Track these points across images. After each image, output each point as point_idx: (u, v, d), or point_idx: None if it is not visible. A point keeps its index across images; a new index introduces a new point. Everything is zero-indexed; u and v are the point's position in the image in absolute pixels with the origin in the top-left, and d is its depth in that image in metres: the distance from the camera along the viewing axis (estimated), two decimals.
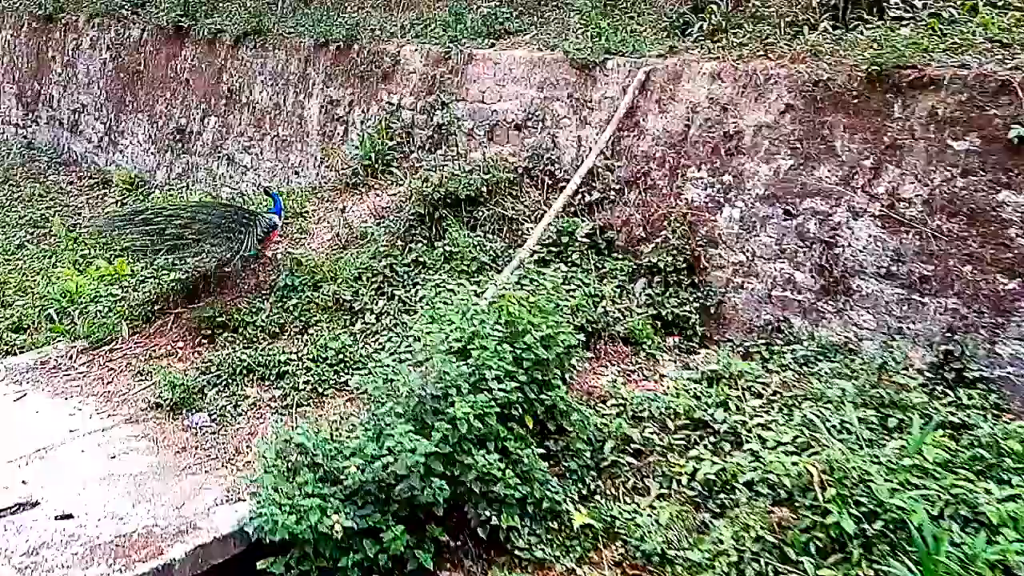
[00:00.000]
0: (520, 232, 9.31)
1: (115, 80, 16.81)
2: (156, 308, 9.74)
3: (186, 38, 15.07)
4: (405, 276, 8.91)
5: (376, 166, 10.81)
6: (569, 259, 8.82)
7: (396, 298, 8.73)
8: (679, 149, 8.65)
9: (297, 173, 12.70)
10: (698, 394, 6.98)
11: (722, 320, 8.32)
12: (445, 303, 7.48)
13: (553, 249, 8.90)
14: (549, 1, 11.47)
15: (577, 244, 8.89)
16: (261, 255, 9.66)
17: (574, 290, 8.31)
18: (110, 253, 12.04)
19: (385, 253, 9.09)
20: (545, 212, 9.34)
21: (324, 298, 8.77)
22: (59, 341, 9.95)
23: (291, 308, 8.83)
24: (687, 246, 8.41)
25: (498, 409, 6.29)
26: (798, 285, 7.81)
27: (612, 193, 9.10)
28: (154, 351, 9.06)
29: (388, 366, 6.66)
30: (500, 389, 6.27)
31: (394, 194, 10.30)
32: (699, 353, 8.25)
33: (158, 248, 9.26)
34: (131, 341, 9.40)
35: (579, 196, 9.23)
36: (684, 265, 8.41)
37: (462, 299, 7.09)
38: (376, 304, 8.68)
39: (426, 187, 9.17)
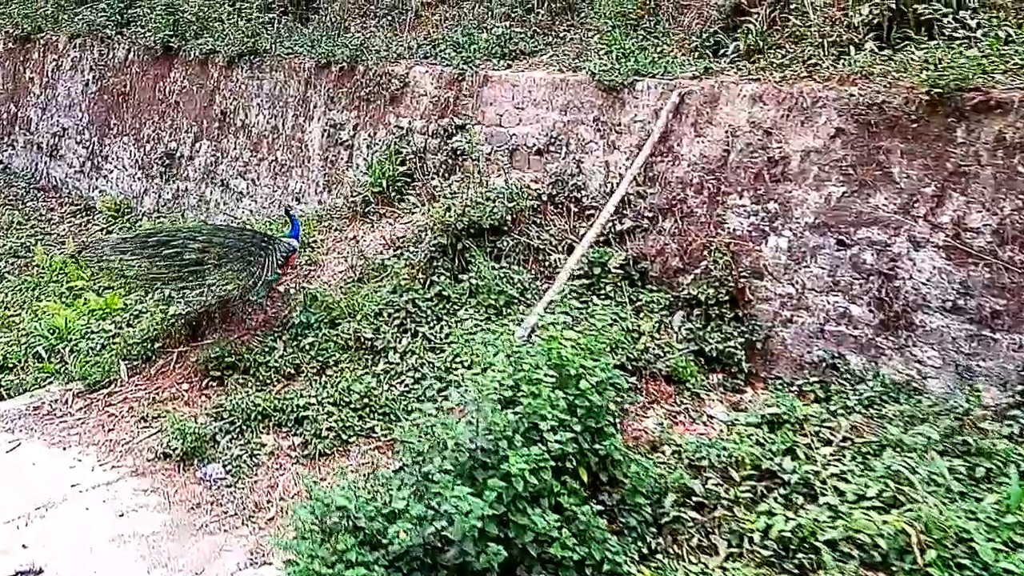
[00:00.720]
0: (547, 263, 8.81)
1: (99, 102, 16.17)
2: (156, 346, 9.13)
3: (175, 59, 14.47)
4: (428, 312, 8.37)
5: (387, 193, 10.27)
6: (602, 292, 8.33)
7: (420, 335, 8.19)
8: (718, 175, 8.20)
9: (298, 199, 12.12)
10: (760, 440, 6.47)
11: (769, 356, 7.85)
12: (484, 344, 6.94)
13: (585, 281, 8.41)
14: (564, 20, 11.01)
15: (610, 276, 8.40)
16: (281, 281, 9.08)
17: (610, 325, 7.82)
18: (105, 284, 11.39)
19: (406, 287, 8.54)
20: (573, 241, 8.87)
21: (343, 336, 8.21)
22: (51, 383, 9.32)
23: (307, 347, 8.25)
24: (730, 277, 7.94)
25: (553, 463, 5.77)
26: (854, 319, 7.35)
27: (645, 221, 8.63)
28: (157, 394, 8.45)
29: (430, 415, 6.09)
30: (556, 440, 5.75)
31: (408, 223, 9.78)
32: (745, 391, 7.78)
33: (175, 275, 8.61)
34: (131, 383, 8.79)
35: (609, 224, 8.74)
36: (727, 298, 7.93)
37: (503, 340, 6.55)
38: (399, 342, 8.12)
39: (449, 216, 8.63)
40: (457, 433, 5.76)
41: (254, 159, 12.87)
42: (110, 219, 15.15)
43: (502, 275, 8.50)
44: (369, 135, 11.28)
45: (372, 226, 9.99)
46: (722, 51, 8.91)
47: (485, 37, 10.70)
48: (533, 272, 8.76)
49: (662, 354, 7.77)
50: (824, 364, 7.47)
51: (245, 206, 12.89)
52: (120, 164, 15.55)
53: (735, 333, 7.87)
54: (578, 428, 5.98)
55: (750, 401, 7.62)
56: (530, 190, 9.24)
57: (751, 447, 6.37)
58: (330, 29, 12.74)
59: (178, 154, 14.21)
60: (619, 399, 6.51)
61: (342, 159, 11.63)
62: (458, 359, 7.79)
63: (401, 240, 9.34)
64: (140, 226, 14.14)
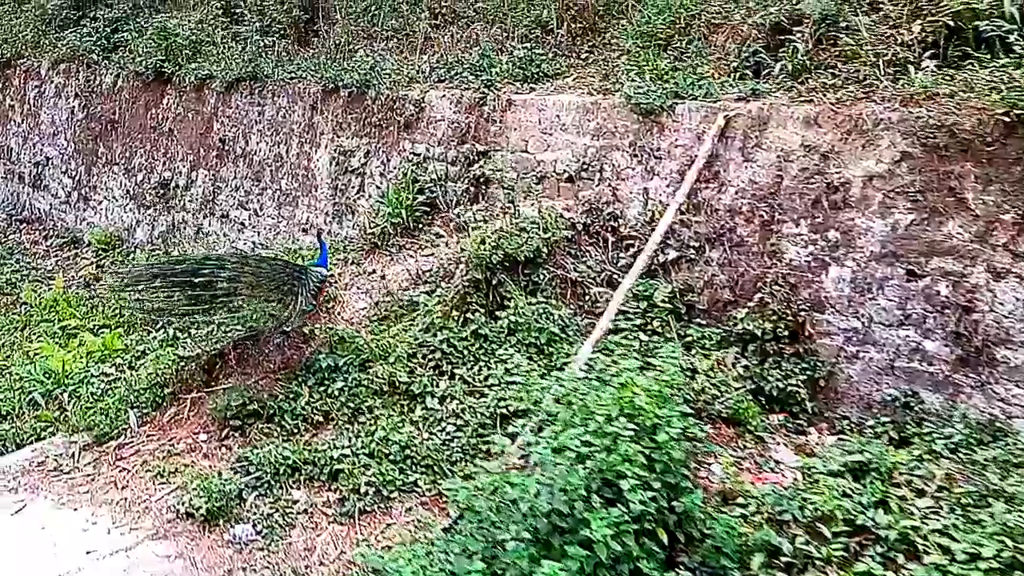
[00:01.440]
0: (587, 296, 8.32)
1: (85, 130, 15.51)
2: (167, 392, 8.51)
3: (168, 84, 13.86)
4: (465, 352, 7.83)
5: (406, 223, 9.73)
6: (649, 327, 7.84)
7: (458, 378, 7.64)
8: (771, 202, 7.74)
9: (305, 231, 11.56)
10: (846, 491, 5.96)
11: (833, 395, 7.38)
12: (537, 388, 6.42)
13: (630, 316, 7.91)
14: (585, 41, 10.57)
15: (656, 310, 7.91)
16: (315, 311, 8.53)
17: (673, 366, 7.33)
18: (116, 319, 10.77)
19: (440, 325, 7.99)
20: (612, 273, 8.39)
21: (376, 380, 7.63)
22: (53, 433, 8.67)
23: (336, 393, 7.68)
24: (788, 311, 7.47)
25: (635, 525, 5.25)
26: (928, 355, 6.90)
27: (691, 252, 8.15)
28: (172, 445, 7.85)
29: (496, 474, 5.54)
30: (639, 500, 5.23)
31: (431, 255, 9.24)
32: (810, 433, 7.31)
33: (205, 307, 7.98)
34: (142, 433, 8.17)
35: (652, 255, 8.27)
36: (786, 332, 7.46)
37: (562, 382, 6.02)
38: (437, 386, 7.57)
39: (483, 249, 8.10)
40: (531, 497, 5.24)
41: (256, 188, 12.29)
42: (100, 252, 14.49)
43: (541, 311, 7.97)
44: (382, 162, 10.75)
45: (392, 259, 9.44)
46: (765, 71, 8.46)
47: (506, 59, 10.21)
48: (572, 307, 8.25)
49: (719, 394, 7.28)
50: (896, 403, 7.01)
51: (247, 237, 12.29)
52: (110, 194, 14.89)
53: (796, 370, 7.40)
54: (657, 485, 5.47)
55: (816, 443, 7.15)
56: (564, 219, 8.73)
57: (837, 499, 5.86)
58: (334, 53, 12.21)
59: (173, 184, 13.59)
60: (694, 449, 6.01)
61: (353, 187, 11.08)
62: (503, 403, 7.26)
63: (428, 274, 8.78)
64: (133, 259, 13.50)
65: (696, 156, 8.13)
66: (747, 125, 7.95)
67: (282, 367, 8.33)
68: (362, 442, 7.14)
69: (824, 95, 7.70)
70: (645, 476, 5.39)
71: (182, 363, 8.68)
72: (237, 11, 13.86)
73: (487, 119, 9.79)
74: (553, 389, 6.22)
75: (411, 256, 9.33)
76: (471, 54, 10.86)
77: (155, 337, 10.24)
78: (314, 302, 8.33)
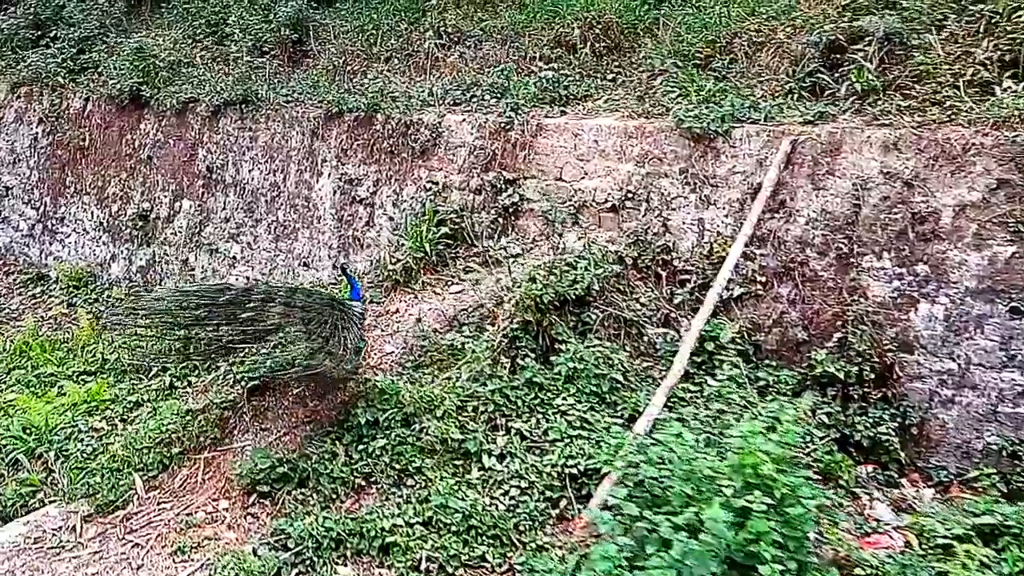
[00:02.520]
0: (643, 337, 7.64)
1: (51, 158, 14.42)
2: (175, 451, 7.58)
3: (145, 109, 12.89)
4: (520, 403, 7.06)
5: (429, 258, 8.95)
6: (718, 371, 7.18)
7: (515, 432, 6.87)
8: (848, 233, 7.16)
9: (306, 265, 10.71)
10: (983, 559, 5.34)
11: (926, 443, 6.80)
12: (616, 447, 5.72)
13: (695, 359, 7.25)
14: (611, 61, 9.94)
15: (724, 352, 7.26)
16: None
17: (740, 411, 6.69)
18: (95, 365, 9.80)
19: (489, 373, 7.22)
20: (669, 312, 7.74)
21: (425, 437, 6.81)
22: (43, 501, 7.71)
23: (378, 452, 6.84)
24: (872, 351, 6.87)
25: None
26: None
27: (757, 287, 7.52)
28: (190, 515, 6.93)
29: (611, 558, 4.80)
30: None
31: (461, 292, 8.49)
32: (903, 486, 6.70)
33: (250, 340, 7.04)
34: (150, 500, 7.23)
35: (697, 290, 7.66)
36: (872, 375, 6.85)
37: (680, 452, 5.31)
38: (494, 442, 6.78)
39: (534, 287, 7.38)
40: None
41: (249, 220, 11.40)
42: (70, 289, 13.39)
43: (599, 356, 7.27)
44: (394, 192, 9.97)
45: (417, 297, 8.64)
46: (828, 92, 7.90)
47: (531, 81, 9.53)
48: (629, 349, 7.57)
49: (804, 444, 6.62)
50: (1002, 453, 6.43)
51: (239, 272, 11.38)
52: (79, 226, 13.81)
53: (884, 417, 6.80)
54: (792, 565, 4.78)
55: (914, 498, 6.53)
56: (610, 253, 8.06)
57: (976, 571, 5.24)
58: (332, 74, 11.42)
59: (153, 215, 12.60)
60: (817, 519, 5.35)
61: (360, 219, 10.27)
62: (571, 460, 6.53)
63: (465, 314, 8.02)
64: (110, 296, 12.48)
65: (760, 184, 7.53)
66: (816, 151, 7.37)
67: (307, 421, 7.48)
68: (415, 509, 6.32)
69: (901, 118, 7.16)
70: (780, 556, 4.71)
71: (189, 416, 7.78)
72: (222, 30, 12.99)
73: (514, 145, 9.09)
74: (644, 448, 5.53)
75: (439, 294, 8.55)
76: (487, 75, 10.16)
77: (149, 386, 9.34)
78: (365, 339, 7.50)
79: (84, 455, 8.16)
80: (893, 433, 6.73)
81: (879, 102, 7.48)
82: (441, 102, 10.09)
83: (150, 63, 12.86)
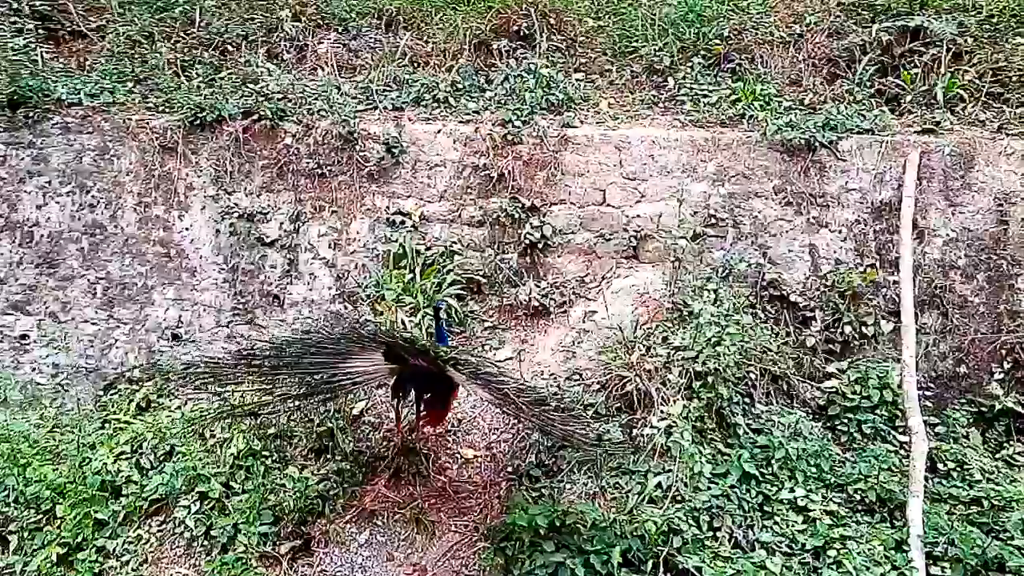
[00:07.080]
0: (793, 393, 6.35)
1: None
2: None
3: None
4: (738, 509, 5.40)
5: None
6: (899, 422, 6.20)
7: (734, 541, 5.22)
8: (997, 252, 6.57)
9: (177, 337, 7.49)
10: None
11: None
12: None
13: (881, 413, 6.20)
14: (614, 62, 8.24)
15: (899, 398, 6.28)
16: None
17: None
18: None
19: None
20: (808, 358, 6.52)
21: None
22: None
23: None
24: None
25: None
26: None
27: (893, 319, 6.62)
28: None
29: None
30: None
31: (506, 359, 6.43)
32: None
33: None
34: None
35: (827, 329, 6.63)
36: None
37: None
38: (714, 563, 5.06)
39: (712, 351, 5.72)
40: None
41: (48, 281, 7.68)
42: None
43: (792, 427, 5.86)
44: (332, 228, 7.30)
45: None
46: (909, 98, 7.21)
47: (533, 82, 7.52)
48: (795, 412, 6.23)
49: None
50: None
51: (35, 359, 7.63)
52: None
53: None
54: None
55: None
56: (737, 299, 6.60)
57: None
58: (134, 61, 8.11)
59: None
60: None
61: (273, 268, 7.40)
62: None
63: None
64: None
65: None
66: (945, 164, 6.66)
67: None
68: None
69: None
70: None
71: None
72: None
73: (527, 162, 7.11)
74: None
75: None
76: (464, 74, 7.84)
77: None
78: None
79: None
80: None
81: (965, 108, 7.02)
82: (405, 102, 7.64)
83: None
